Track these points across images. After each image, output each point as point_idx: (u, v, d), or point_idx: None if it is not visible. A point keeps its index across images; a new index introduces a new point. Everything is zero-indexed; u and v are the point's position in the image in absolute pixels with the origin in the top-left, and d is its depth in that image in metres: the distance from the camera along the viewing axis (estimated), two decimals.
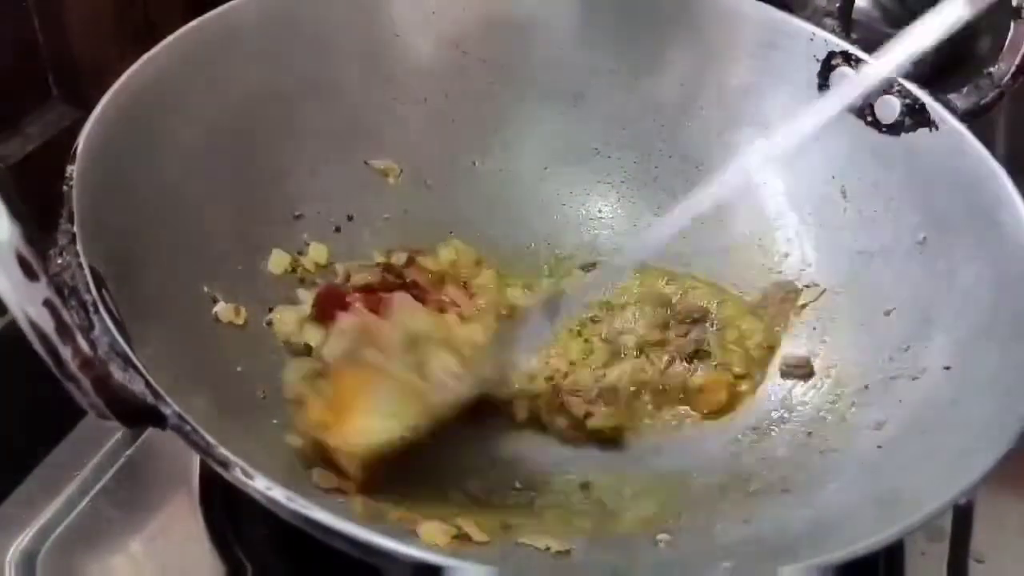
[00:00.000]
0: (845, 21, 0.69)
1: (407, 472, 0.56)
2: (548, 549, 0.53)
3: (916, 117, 0.64)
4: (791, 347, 0.67)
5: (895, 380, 0.60)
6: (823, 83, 0.68)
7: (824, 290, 0.67)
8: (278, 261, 0.64)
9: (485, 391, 0.60)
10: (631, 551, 0.55)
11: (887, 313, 0.63)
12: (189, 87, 0.61)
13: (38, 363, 0.44)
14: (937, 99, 0.63)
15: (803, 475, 0.58)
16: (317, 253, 0.66)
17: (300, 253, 0.66)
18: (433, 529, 0.52)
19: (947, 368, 0.57)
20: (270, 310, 0.62)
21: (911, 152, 0.64)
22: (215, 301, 0.59)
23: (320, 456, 0.55)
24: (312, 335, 0.61)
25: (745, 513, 0.57)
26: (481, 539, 0.53)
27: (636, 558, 0.55)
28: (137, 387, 0.45)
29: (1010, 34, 0.63)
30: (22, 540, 0.60)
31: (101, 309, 0.46)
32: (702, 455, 0.63)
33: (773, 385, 0.66)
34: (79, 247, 0.48)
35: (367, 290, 0.63)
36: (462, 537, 0.53)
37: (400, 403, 0.55)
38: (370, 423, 0.55)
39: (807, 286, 0.68)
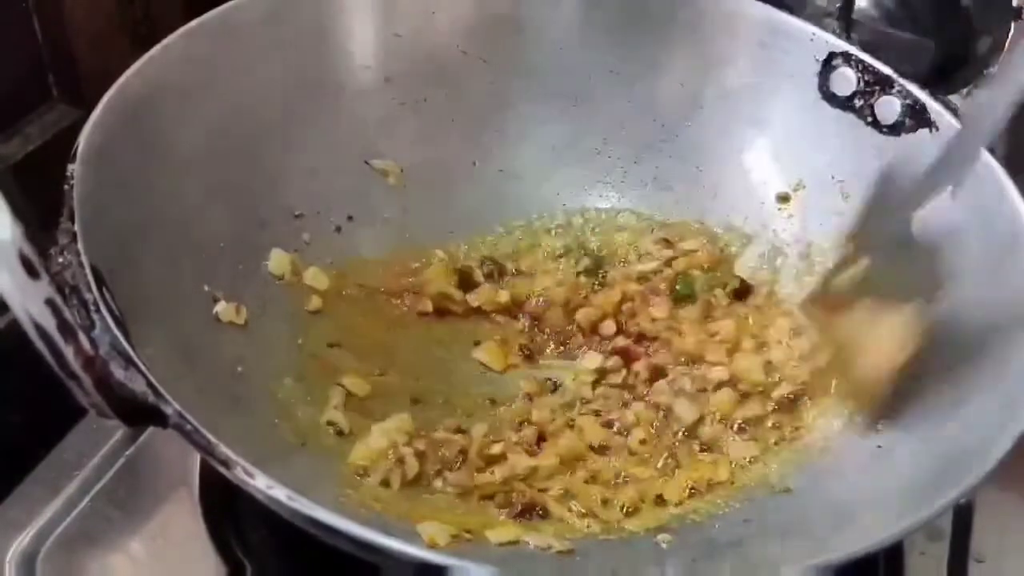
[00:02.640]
0: (845, 21, 0.69)
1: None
2: (549, 548, 0.53)
3: (916, 117, 0.64)
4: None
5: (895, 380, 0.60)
6: (823, 83, 0.68)
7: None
8: (278, 261, 0.64)
9: None
10: (631, 551, 0.55)
11: None
12: (189, 87, 0.61)
13: (39, 362, 0.43)
14: (937, 99, 0.64)
15: (803, 475, 0.58)
16: (316, 279, 0.66)
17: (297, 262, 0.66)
18: (433, 529, 0.52)
19: (947, 368, 0.57)
20: None
21: (911, 152, 0.64)
22: (216, 301, 0.59)
23: None
24: None
25: (745, 513, 0.57)
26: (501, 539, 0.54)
27: (636, 558, 0.55)
28: (138, 386, 0.45)
29: (1010, 34, 0.63)
30: (22, 540, 0.60)
31: (102, 308, 0.46)
32: None
33: None
34: (80, 246, 0.48)
35: None
36: (461, 537, 0.53)
37: None
38: None
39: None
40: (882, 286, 0.60)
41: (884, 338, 0.59)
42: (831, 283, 0.63)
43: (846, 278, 0.62)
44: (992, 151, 0.61)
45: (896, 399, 0.58)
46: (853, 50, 0.67)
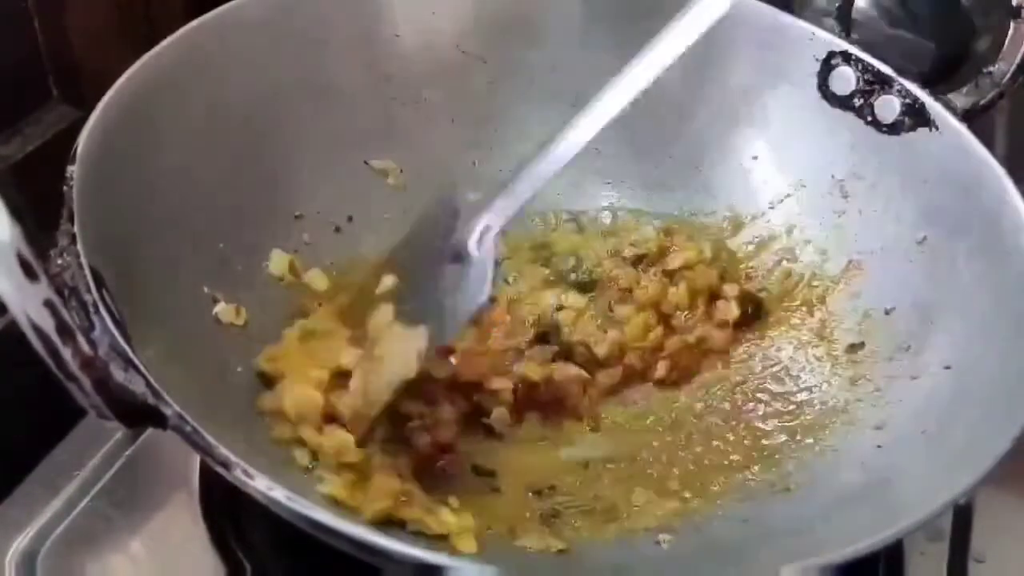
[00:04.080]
0: (845, 21, 0.69)
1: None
2: (549, 549, 0.53)
3: (916, 117, 0.64)
4: (791, 346, 0.67)
5: (895, 380, 0.60)
6: (823, 83, 0.68)
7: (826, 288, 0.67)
8: (278, 261, 0.64)
9: None
10: (631, 551, 0.55)
11: (887, 312, 0.63)
12: (189, 87, 0.61)
13: (38, 363, 0.43)
14: (937, 99, 0.64)
15: (803, 475, 0.58)
16: (316, 279, 0.66)
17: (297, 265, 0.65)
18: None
19: (947, 368, 0.57)
20: None
21: (911, 152, 0.64)
22: (215, 301, 0.59)
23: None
24: None
25: (745, 513, 0.57)
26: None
27: (636, 558, 0.55)
28: (138, 387, 0.45)
29: (1010, 34, 0.63)
30: (22, 540, 0.60)
31: (101, 309, 0.46)
32: None
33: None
34: (79, 247, 0.48)
35: None
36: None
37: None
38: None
39: (812, 286, 0.68)
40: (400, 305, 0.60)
41: (392, 361, 0.58)
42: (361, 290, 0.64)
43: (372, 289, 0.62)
44: (992, 151, 0.61)
45: None
46: (853, 49, 0.66)
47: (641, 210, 0.74)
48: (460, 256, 0.59)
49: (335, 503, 0.53)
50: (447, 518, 0.54)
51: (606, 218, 0.74)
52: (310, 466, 0.55)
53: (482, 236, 0.59)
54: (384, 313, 0.60)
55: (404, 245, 0.64)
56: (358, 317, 0.61)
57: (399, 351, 0.58)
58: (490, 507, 0.57)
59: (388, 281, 0.61)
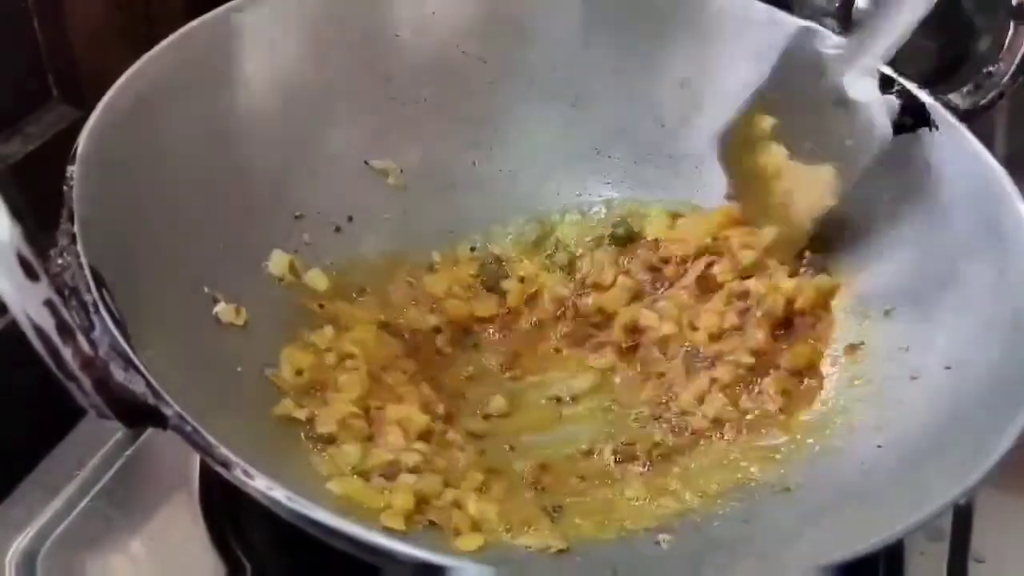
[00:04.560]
0: (845, 21, 0.69)
1: None
2: (548, 549, 0.53)
3: (916, 117, 0.64)
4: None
5: (895, 380, 0.60)
6: None
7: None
8: (278, 261, 0.64)
9: None
10: (631, 551, 0.55)
11: (887, 313, 0.63)
12: (189, 87, 0.61)
13: (38, 363, 0.43)
14: (937, 99, 0.64)
15: (803, 475, 0.58)
16: (316, 280, 0.65)
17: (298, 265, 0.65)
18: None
19: (947, 368, 0.57)
20: None
21: (911, 152, 0.64)
22: (216, 302, 0.59)
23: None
24: None
25: (745, 513, 0.57)
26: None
27: (636, 558, 0.55)
28: (138, 387, 0.45)
29: (1010, 34, 0.63)
30: (22, 540, 0.60)
31: (102, 309, 0.46)
32: None
33: None
34: (79, 247, 0.48)
35: None
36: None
37: None
38: None
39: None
40: (792, 144, 0.65)
41: (805, 194, 0.64)
42: (737, 132, 0.68)
43: (752, 130, 0.67)
44: (992, 151, 0.61)
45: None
46: None
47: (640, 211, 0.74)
48: (843, 101, 0.63)
49: (349, 502, 0.53)
50: (471, 508, 0.55)
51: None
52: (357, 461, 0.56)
53: (863, 79, 0.63)
54: (776, 151, 0.65)
55: (772, 87, 0.67)
56: (736, 157, 0.67)
57: (809, 185, 0.64)
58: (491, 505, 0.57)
59: (766, 122, 0.66)
